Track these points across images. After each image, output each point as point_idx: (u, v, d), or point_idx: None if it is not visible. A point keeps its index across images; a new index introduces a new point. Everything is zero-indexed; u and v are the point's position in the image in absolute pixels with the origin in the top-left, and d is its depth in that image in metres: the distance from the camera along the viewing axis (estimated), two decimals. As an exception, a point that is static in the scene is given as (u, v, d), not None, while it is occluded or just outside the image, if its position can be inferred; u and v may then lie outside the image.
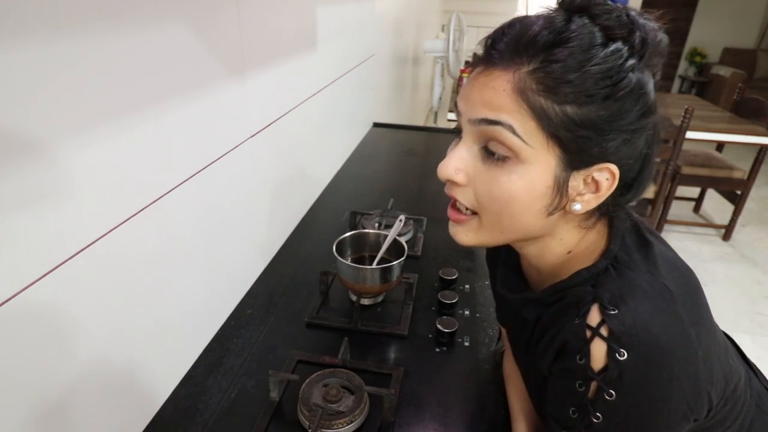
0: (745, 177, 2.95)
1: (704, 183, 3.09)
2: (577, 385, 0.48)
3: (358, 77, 1.79)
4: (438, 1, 4.22)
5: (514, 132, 0.46)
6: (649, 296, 0.47)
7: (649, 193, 2.78)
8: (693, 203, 3.57)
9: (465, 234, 0.55)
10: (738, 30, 6.14)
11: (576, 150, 0.47)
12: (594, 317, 0.47)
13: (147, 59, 0.62)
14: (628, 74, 0.45)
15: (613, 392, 0.46)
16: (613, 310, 0.46)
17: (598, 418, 0.47)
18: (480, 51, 0.50)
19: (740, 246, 3.16)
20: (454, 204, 0.55)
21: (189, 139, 0.74)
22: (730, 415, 0.58)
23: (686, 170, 2.95)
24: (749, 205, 3.52)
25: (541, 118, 0.45)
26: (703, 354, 0.48)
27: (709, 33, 6.19)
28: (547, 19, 0.47)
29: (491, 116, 0.47)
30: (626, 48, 0.46)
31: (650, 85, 0.48)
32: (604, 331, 0.46)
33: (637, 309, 0.46)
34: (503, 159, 0.48)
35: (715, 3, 6.05)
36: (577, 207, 0.50)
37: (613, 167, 0.48)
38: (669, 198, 3.02)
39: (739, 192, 3.04)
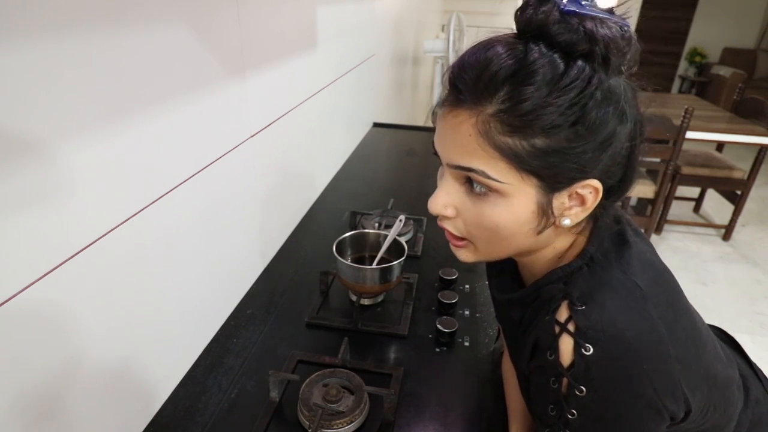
0: (745, 177, 2.95)
1: (704, 183, 3.09)
2: (550, 381, 0.49)
3: (358, 77, 1.79)
4: (438, 1, 4.22)
5: (487, 176, 0.47)
6: (618, 293, 0.48)
7: (649, 193, 2.78)
8: (693, 203, 3.57)
9: (465, 254, 0.57)
10: (738, 30, 6.13)
11: (552, 175, 0.47)
12: (563, 313, 0.48)
13: (147, 59, 0.62)
14: (593, 95, 0.44)
15: (583, 388, 0.46)
16: (581, 306, 0.47)
17: (573, 414, 0.48)
18: (447, 86, 0.50)
19: (740, 246, 3.16)
20: (447, 229, 0.56)
21: (189, 139, 0.74)
22: (721, 421, 0.58)
23: (686, 170, 2.95)
24: (749, 205, 3.52)
25: (510, 157, 0.46)
26: (678, 353, 0.48)
27: (709, 33, 6.19)
28: (505, 51, 0.45)
29: (463, 163, 0.48)
30: (588, 64, 0.44)
31: (620, 93, 0.46)
32: (571, 327, 0.47)
33: (605, 305, 0.47)
34: (485, 194, 0.49)
35: (715, 3, 6.05)
36: (567, 222, 0.50)
37: (595, 183, 0.47)
38: (669, 198, 3.02)
39: (739, 192, 3.04)
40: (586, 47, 0.44)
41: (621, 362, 0.45)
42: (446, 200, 0.53)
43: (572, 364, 0.47)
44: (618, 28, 0.45)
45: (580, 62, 0.44)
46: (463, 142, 0.47)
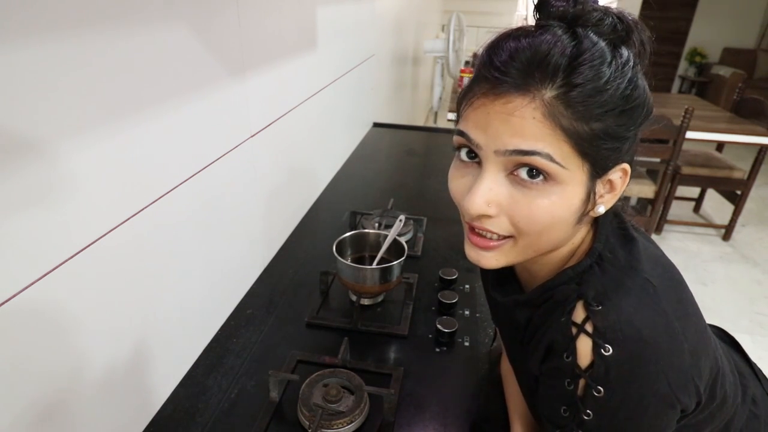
0: (745, 177, 2.95)
1: (704, 183, 3.09)
2: (566, 383, 0.49)
3: (358, 77, 1.79)
4: (438, 1, 4.22)
5: (552, 159, 0.45)
6: (633, 292, 0.48)
7: (649, 193, 2.78)
8: (693, 203, 3.57)
9: (495, 258, 0.52)
10: (738, 30, 6.13)
11: (601, 161, 0.47)
12: (579, 314, 0.48)
13: (147, 60, 0.62)
14: (638, 81, 0.47)
15: (601, 388, 0.46)
16: (597, 307, 0.47)
17: (588, 415, 0.48)
18: (484, 73, 0.47)
19: (740, 246, 3.16)
20: (475, 230, 0.52)
21: (189, 139, 0.74)
22: (719, 413, 0.58)
23: (686, 170, 2.95)
24: (749, 205, 3.52)
25: (574, 140, 0.45)
26: (690, 347, 0.48)
27: (709, 33, 6.19)
28: (552, 36, 0.45)
29: (526, 147, 0.45)
30: (630, 53, 0.46)
31: (644, 80, 0.49)
32: (588, 328, 0.47)
33: (621, 304, 0.46)
34: (537, 183, 0.46)
35: (715, 3, 6.05)
36: (601, 209, 0.51)
37: (626, 166, 0.50)
38: (669, 198, 3.02)
39: (739, 192, 3.04)
40: (625, 35, 0.46)
41: (640, 361, 0.45)
42: (488, 196, 0.48)
43: (591, 365, 0.46)
44: (631, 17, 0.47)
45: (623, 49, 0.46)
46: (523, 125, 0.44)
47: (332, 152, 1.59)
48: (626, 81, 0.45)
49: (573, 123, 0.44)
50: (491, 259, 0.52)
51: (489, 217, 0.49)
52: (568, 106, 0.44)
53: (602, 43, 0.45)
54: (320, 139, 1.42)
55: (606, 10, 0.46)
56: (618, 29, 0.46)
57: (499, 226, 0.50)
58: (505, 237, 0.51)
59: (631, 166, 0.50)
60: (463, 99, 0.50)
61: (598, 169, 0.47)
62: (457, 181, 0.52)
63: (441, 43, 3.11)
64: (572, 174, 0.46)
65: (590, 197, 0.49)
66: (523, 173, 0.47)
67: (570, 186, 0.47)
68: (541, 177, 0.46)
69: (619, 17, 0.46)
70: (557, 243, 0.52)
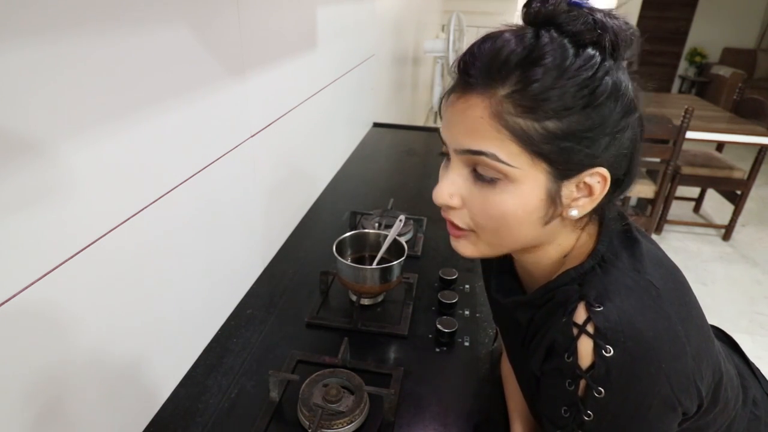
0: (745, 177, 2.95)
1: (704, 183, 3.09)
2: (567, 383, 0.49)
3: (358, 77, 1.79)
4: (438, 1, 4.22)
5: (498, 159, 0.46)
6: (635, 293, 0.48)
7: (649, 193, 2.78)
8: (693, 203, 3.57)
9: (468, 248, 0.55)
10: (738, 30, 6.13)
11: (563, 161, 0.47)
12: (580, 315, 0.48)
13: (147, 59, 0.62)
14: (603, 80, 0.45)
15: (602, 389, 0.46)
16: (599, 307, 0.47)
17: (589, 416, 0.48)
18: (458, 75, 0.50)
19: (740, 246, 3.16)
20: (451, 221, 0.55)
21: (189, 139, 0.74)
22: (720, 417, 0.58)
23: (686, 170, 2.95)
24: (749, 205, 3.52)
25: (522, 139, 0.45)
26: (692, 350, 0.48)
27: (709, 33, 6.19)
28: (516, 37, 0.46)
29: (473, 147, 0.47)
30: (598, 52, 0.46)
31: (627, 84, 0.48)
32: (590, 328, 0.46)
33: (623, 305, 0.46)
34: (493, 180, 0.48)
35: (715, 3, 6.04)
36: (574, 213, 0.50)
37: (603, 171, 0.48)
38: (669, 198, 3.02)
39: (739, 192, 3.04)
40: (595, 35, 0.46)
41: (641, 362, 0.45)
42: (451, 189, 0.51)
43: (592, 366, 0.46)
44: (624, 21, 0.47)
45: (590, 48, 0.46)
46: (473, 125, 0.47)
47: (332, 152, 1.59)
48: (585, 79, 0.44)
49: (521, 121, 0.45)
50: (466, 248, 0.56)
51: (453, 208, 0.52)
52: (516, 103, 0.45)
53: (562, 41, 0.45)
54: (320, 139, 1.42)
55: (580, 10, 0.46)
56: (591, 29, 0.46)
57: (460, 218, 0.53)
58: (470, 230, 0.53)
59: (612, 172, 0.48)
60: (441, 102, 0.53)
61: (560, 168, 0.47)
62: (439, 178, 0.55)
63: (441, 43, 3.10)
64: (525, 173, 0.47)
65: (554, 198, 0.49)
66: (480, 170, 0.49)
67: (525, 185, 0.47)
68: (495, 178, 0.48)
69: (593, 17, 0.46)
70: (525, 241, 0.53)
